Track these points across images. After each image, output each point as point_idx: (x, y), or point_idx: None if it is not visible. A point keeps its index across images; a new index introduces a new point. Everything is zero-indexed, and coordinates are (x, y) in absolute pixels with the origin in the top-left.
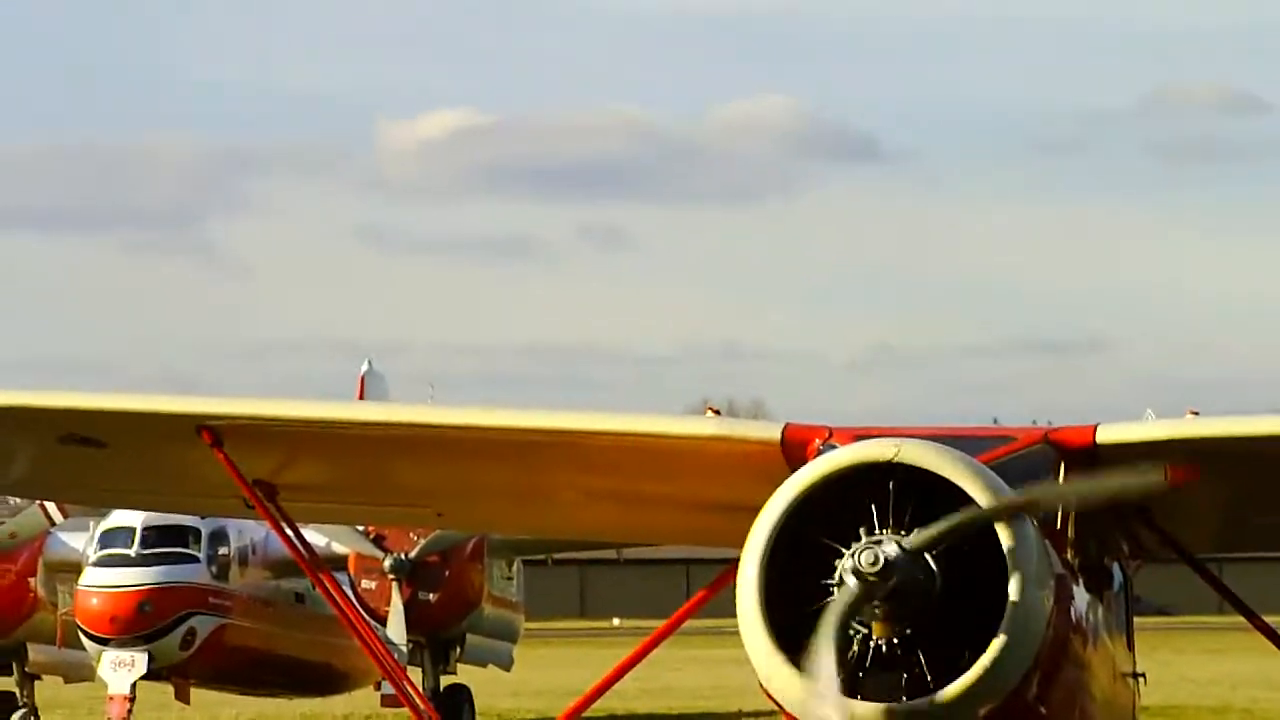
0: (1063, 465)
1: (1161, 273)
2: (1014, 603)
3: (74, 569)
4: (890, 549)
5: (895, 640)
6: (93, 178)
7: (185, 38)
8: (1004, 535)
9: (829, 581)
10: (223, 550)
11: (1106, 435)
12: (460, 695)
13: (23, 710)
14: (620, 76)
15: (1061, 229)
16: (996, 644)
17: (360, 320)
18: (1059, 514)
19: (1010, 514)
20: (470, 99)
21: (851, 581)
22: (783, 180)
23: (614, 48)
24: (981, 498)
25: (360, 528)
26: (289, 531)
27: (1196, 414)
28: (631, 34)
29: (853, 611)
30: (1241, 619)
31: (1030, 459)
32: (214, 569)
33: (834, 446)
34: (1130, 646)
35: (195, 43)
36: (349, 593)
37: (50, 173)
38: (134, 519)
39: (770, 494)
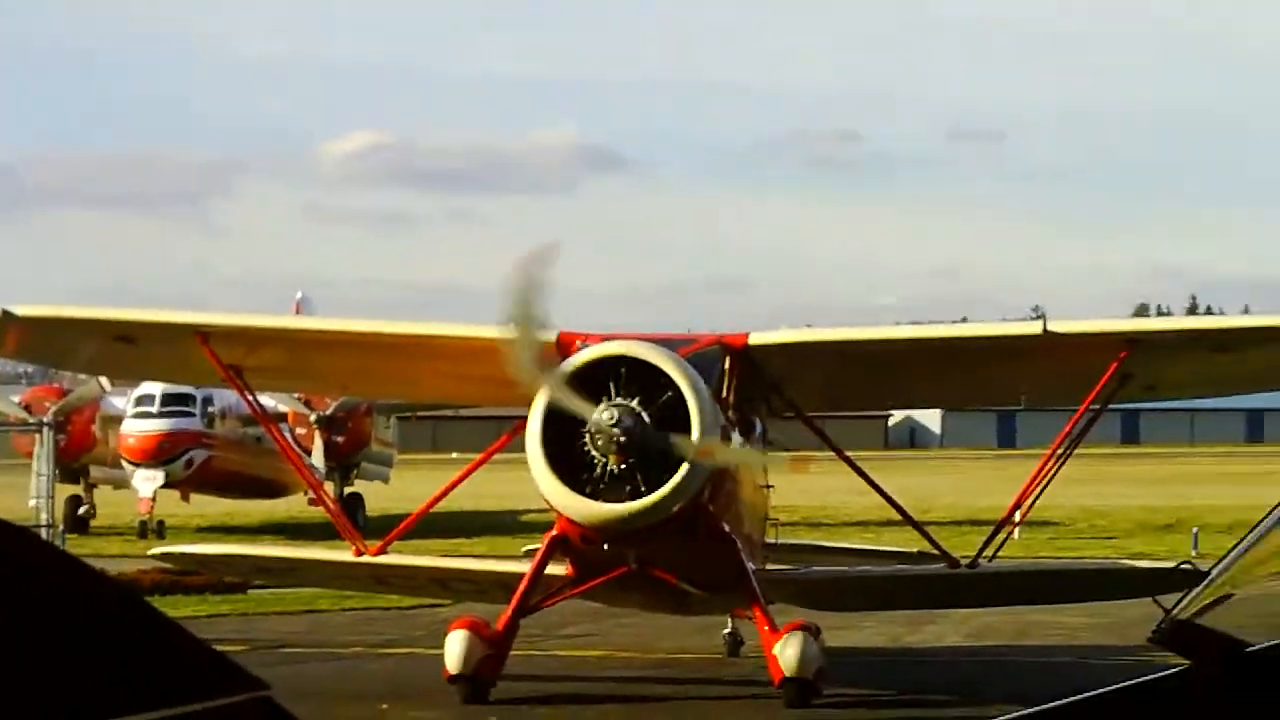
0: (728, 358)
1: (783, 235)
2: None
3: (117, 419)
4: (621, 409)
5: (623, 466)
6: None
7: None
8: (690, 402)
9: (585, 429)
10: (210, 409)
11: (756, 339)
12: (356, 500)
13: (87, 506)
14: None
15: (729, 206)
16: (684, 468)
17: None
18: (724, 390)
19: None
20: None
21: (598, 430)
22: None
23: None
24: (677, 378)
25: (296, 395)
26: (251, 397)
27: (810, 326)
28: None
29: (594, 437)
30: (833, 454)
31: (708, 353)
32: (205, 420)
33: (588, 345)
34: (764, 470)
35: None
36: (288, 436)
37: None
38: (155, 388)
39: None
